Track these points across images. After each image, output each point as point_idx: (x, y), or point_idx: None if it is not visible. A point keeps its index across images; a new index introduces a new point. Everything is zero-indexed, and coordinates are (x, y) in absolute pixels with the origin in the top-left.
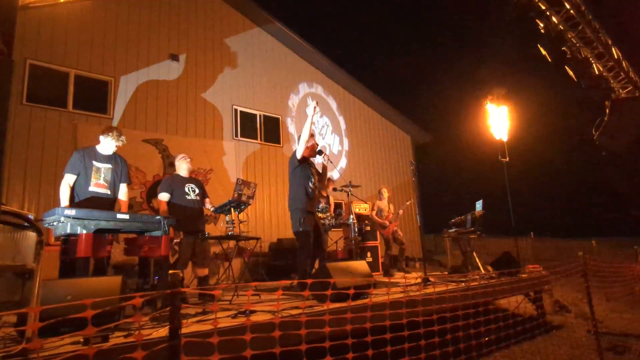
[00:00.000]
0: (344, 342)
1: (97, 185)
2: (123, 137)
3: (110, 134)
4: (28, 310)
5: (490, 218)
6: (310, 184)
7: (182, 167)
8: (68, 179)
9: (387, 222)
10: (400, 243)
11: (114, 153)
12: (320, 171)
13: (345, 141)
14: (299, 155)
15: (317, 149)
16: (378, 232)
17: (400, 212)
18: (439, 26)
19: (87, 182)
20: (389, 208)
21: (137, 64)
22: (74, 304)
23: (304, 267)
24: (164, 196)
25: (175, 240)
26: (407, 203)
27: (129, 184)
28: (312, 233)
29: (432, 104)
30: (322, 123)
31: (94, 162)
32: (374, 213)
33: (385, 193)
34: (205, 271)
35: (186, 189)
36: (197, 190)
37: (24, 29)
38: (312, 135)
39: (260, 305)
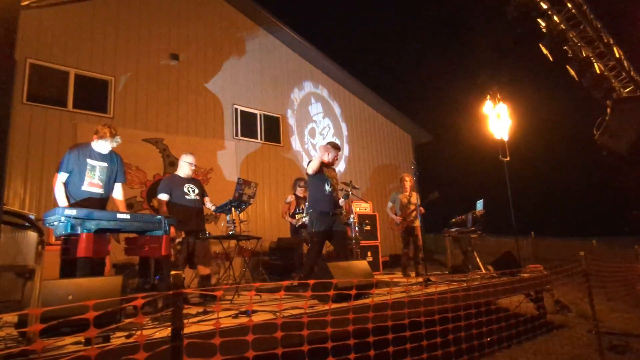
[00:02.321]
0: (346, 342)
1: (91, 185)
2: (117, 138)
3: (103, 137)
4: (30, 312)
5: (490, 217)
6: (327, 187)
7: (184, 170)
8: (61, 178)
9: (398, 219)
10: (415, 243)
11: (111, 151)
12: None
13: (346, 147)
14: (310, 171)
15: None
16: (378, 230)
17: (422, 209)
18: (440, 26)
19: (80, 181)
20: (410, 199)
21: (137, 63)
22: (75, 305)
23: (310, 266)
24: (163, 197)
25: (177, 240)
26: (430, 197)
27: (124, 183)
28: (326, 235)
29: (432, 104)
30: (324, 124)
31: (88, 160)
32: (389, 207)
33: (408, 182)
34: (207, 270)
35: (185, 189)
36: (196, 190)
37: (24, 28)
38: (336, 148)
39: (262, 305)
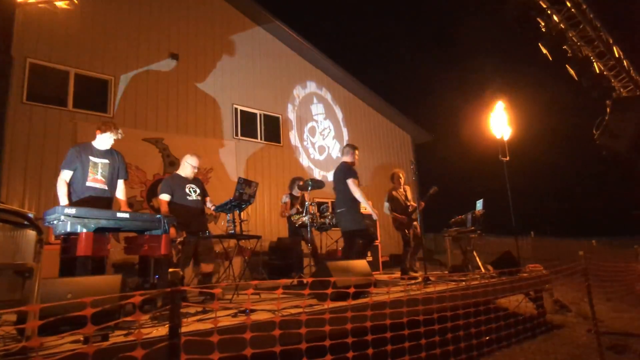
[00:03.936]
0: (344, 340)
1: (95, 181)
2: (121, 131)
3: (108, 130)
4: (28, 309)
5: (490, 217)
6: None
7: (186, 171)
8: (64, 175)
9: (404, 218)
10: (416, 238)
11: (111, 148)
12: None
13: None
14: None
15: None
16: (378, 230)
17: (422, 203)
18: (440, 26)
19: (84, 178)
20: (406, 195)
21: (137, 63)
22: (73, 302)
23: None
24: (164, 197)
25: (178, 240)
26: (430, 191)
27: (127, 179)
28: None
29: (432, 104)
30: (325, 125)
31: (91, 158)
32: (387, 208)
33: (402, 178)
34: (210, 267)
35: (187, 190)
36: (197, 191)
37: (24, 28)
38: (356, 149)
39: (261, 304)
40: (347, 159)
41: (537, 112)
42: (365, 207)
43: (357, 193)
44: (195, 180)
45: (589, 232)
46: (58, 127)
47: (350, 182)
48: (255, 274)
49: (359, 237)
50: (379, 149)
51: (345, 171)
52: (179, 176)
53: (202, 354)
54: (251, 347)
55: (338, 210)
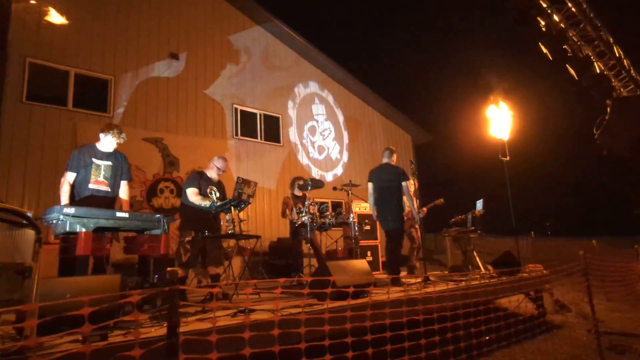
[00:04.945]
0: (344, 340)
1: (97, 183)
2: (124, 135)
3: (110, 132)
4: (26, 308)
5: (490, 217)
6: None
7: (212, 172)
8: (69, 177)
9: (405, 218)
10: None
11: (114, 150)
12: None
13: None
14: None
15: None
16: (378, 231)
17: (424, 209)
18: (441, 25)
19: (86, 180)
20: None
21: (137, 63)
22: (72, 302)
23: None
24: (193, 190)
25: (186, 239)
26: (436, 202)
27: (130, 181)
28: None
29: (432, 104)
30: (325, 126)
31: (94, 160)
32: None
33: (413, 186)
34: (216, 270)
35: (208, 191)
36: (217, 194)
37: (24, 27)
38: (394, 152)
39: (260, 304)
40: (389, 161)
41: (538, 112)
42: (411, 208)
43: (408, 195)
44: (219, 183)
45: (589, 232)
46: (58, 126)
47: (407, 185)
48: (255, 275)
49: (397, 237)
50: (378, 149)
51: (403, 173)
52: (206, 175)
53: (201, 354)
54: (250, 346)
55: (385, 208)
